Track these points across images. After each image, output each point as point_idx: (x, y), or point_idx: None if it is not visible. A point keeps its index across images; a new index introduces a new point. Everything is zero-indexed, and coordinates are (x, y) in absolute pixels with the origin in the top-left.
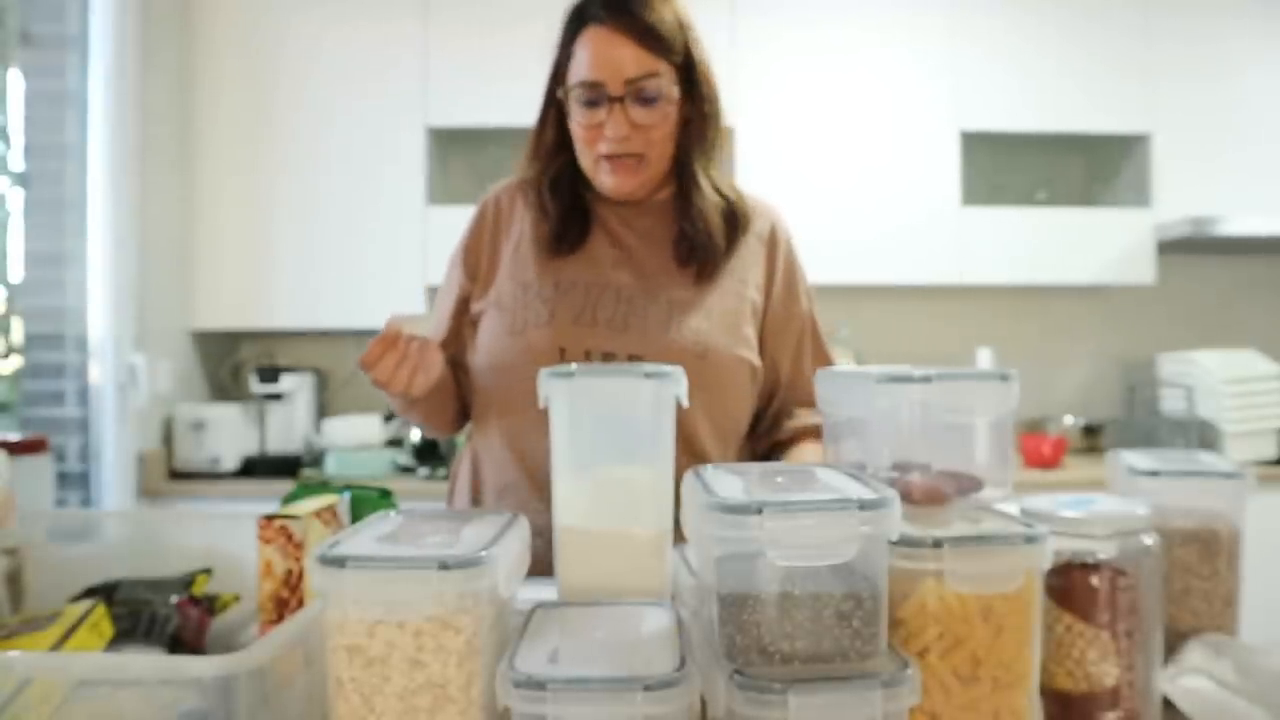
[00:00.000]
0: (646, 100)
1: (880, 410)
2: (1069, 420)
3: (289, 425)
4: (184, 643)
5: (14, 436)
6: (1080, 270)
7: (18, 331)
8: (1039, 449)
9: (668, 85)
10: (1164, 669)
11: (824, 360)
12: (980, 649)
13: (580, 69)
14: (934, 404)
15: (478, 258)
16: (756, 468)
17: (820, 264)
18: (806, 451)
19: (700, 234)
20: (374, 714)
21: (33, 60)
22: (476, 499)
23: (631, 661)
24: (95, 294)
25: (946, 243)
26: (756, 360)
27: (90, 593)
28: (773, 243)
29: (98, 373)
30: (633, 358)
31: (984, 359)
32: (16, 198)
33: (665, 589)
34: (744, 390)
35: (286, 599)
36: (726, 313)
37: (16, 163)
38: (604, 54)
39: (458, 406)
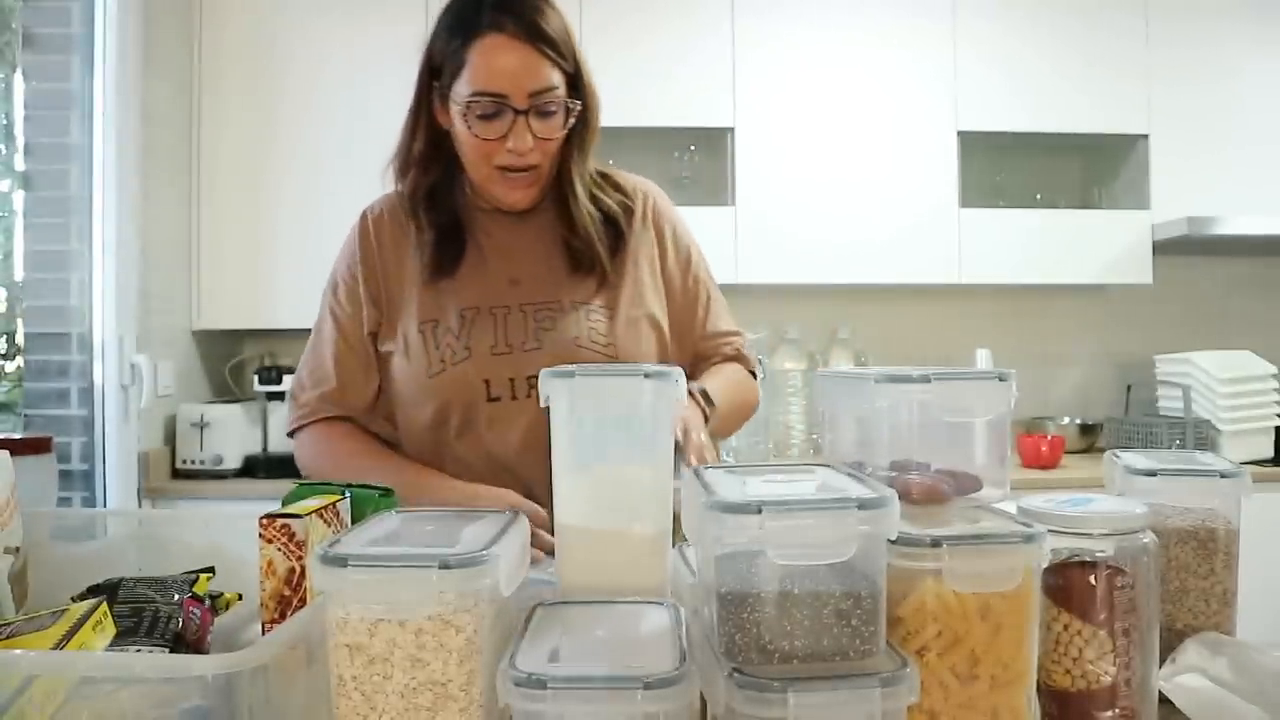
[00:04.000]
0: (547, 113)
1: (879, 410)
2: (1067, 420)
3: None
4: (186, 641)
5: (18, 436)
6: (1078, 271)
7: (21, 331)
8: (1037, 449)
9: (566, 96)
10: (1161, 667)
11: (720, 303)
12: (978, 647)
13: (479, 79)
14: (932, 404)
15: (375, 283)
16: (757, 467)
17: (820, 265)
18: (725, 370)
19: (583, 243)
20: (375, 712)
21: (37, 62)
22: None
23: (631, 660)
24: (99, 294)
25: (945, 243)
26: (668, 340)
27: (93, 591)
28: (655, 220)
29: (101, 372)
30: None
31: (983, 359)
32: (21, 199)
33: (665, 588)
34: None
35: (288, 598)
36: (627, 306)
37: (21, 164)
38: (506, 65)
39: None
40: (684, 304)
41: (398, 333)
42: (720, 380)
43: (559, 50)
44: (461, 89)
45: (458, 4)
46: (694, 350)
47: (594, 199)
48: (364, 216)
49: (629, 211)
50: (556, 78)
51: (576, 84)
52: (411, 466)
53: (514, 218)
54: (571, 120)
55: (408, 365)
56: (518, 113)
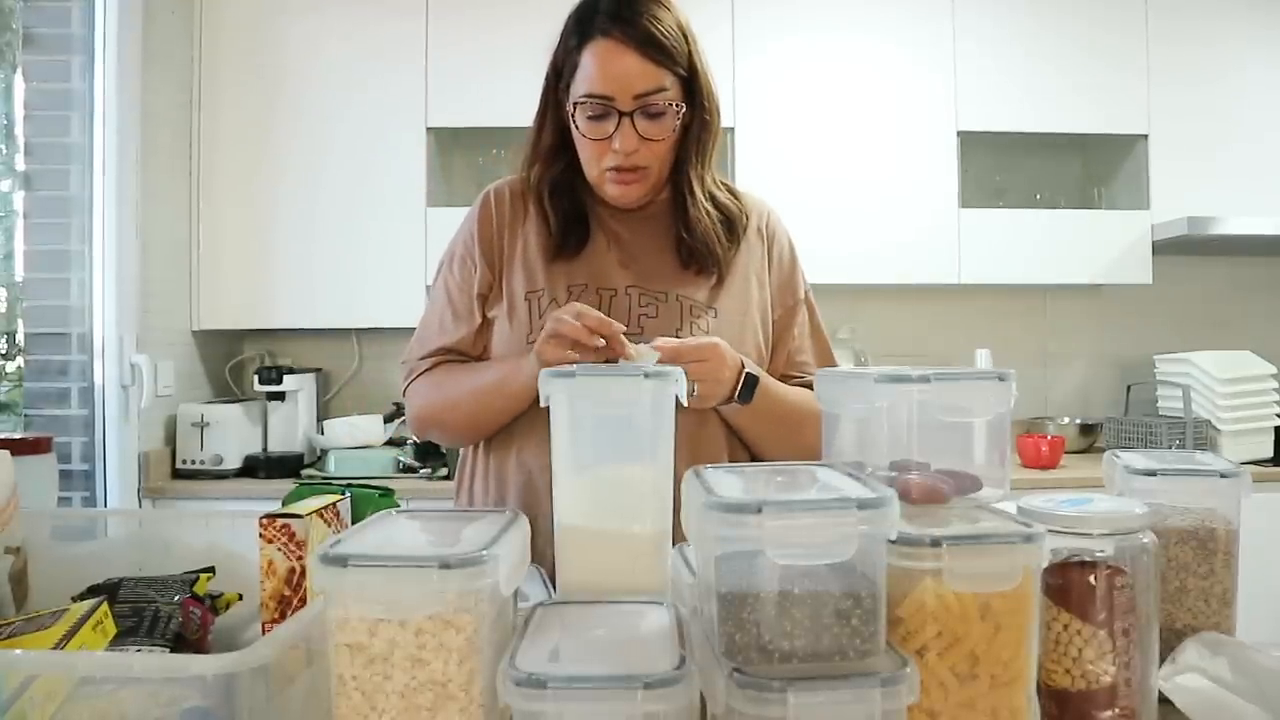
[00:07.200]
0: (654, 115)
1: (879, 410)
2: (1066, 420)
3: (291, 425)
4: (187, 641)
5: (18, 435)
6: (1078, 271)
7: (22, 331)
8: (1037, 449)
9: (674, 98)
10: (1161, 667)
11: (821, 342)
12: (978, 647)
13: (587, 82)
14: (932, 404)
15: (491, 247)
16: (757, 467)
17: (820, 265)
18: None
19: (698, 242)
20: (375, 711)
21: (37, 62)
22: (499, 505)
23: (631, 659)
24: (99, 294)
25: (945, 243)
26: (765, 352)
27: (94, 591)
28: (770, 237)
29: (101, 372)
30: None
31: (983, 359)
32: (21, 199)
33: (665, 588)
34: None
35: (288, 598)
36: (734, 310)
37: (21, 164)
38: (612, 68)
39: None
40: (782, 325)
41: (504, 297)
42: (782, 387)
43: (670, 55)
44: (575, 90)
45: (579, 8)
46: (780, 373)
47: (713, 199)
48: (486, 193)
49: (745, 217)
50: (667, 80)
51: (692, 87)
52: (494, 363)
53: (632, 213)
54: (678, 122)
55: (509, 330)
56: (623, 114)
